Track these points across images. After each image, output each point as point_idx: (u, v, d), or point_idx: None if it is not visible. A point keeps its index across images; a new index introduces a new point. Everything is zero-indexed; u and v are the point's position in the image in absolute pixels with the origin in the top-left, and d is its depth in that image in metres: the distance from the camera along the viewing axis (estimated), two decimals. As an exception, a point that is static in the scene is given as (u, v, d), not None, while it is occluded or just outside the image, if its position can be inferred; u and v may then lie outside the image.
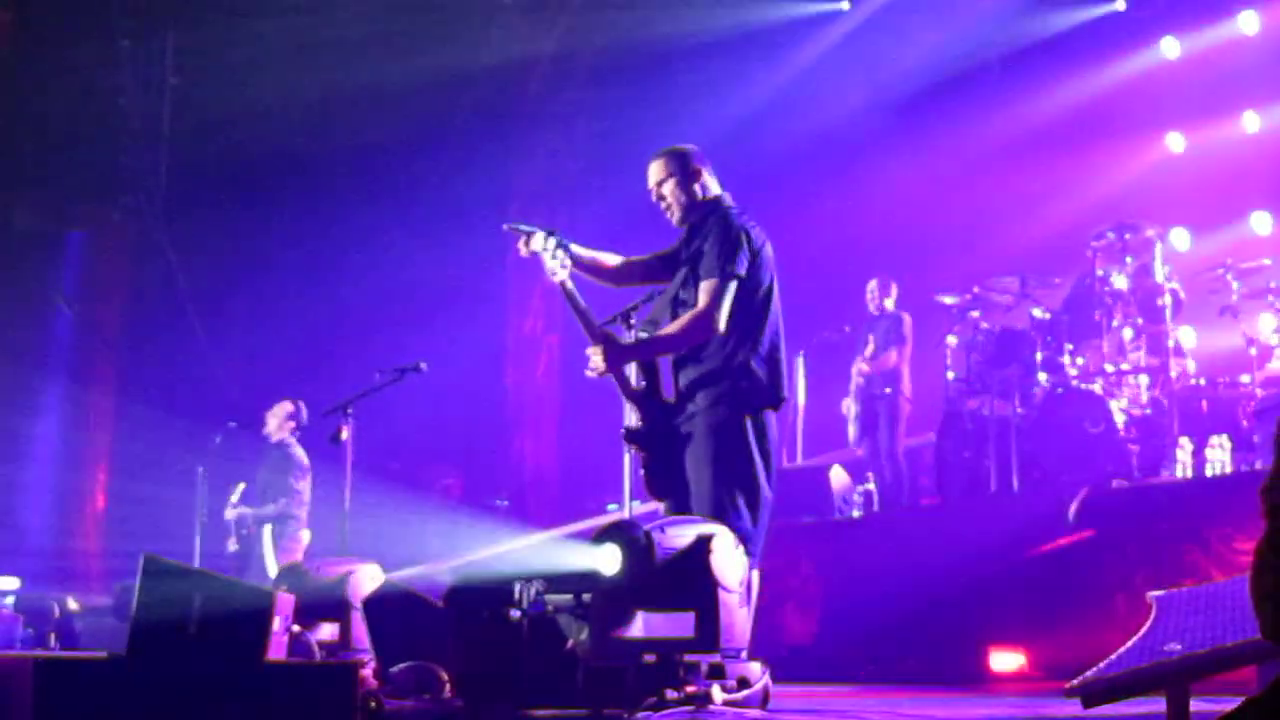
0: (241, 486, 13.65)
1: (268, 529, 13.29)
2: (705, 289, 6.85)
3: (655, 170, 7.27)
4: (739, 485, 6.72)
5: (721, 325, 6.78)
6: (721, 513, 6.57)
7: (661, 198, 7.26)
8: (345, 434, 10.60)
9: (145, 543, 9.45)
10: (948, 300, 13.17)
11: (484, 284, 18.03)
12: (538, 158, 18.35)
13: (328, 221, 17.58)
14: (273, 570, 12.84)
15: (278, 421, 13.59)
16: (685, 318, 6.81)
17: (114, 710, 5.59)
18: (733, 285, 6.83)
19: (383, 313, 17.71)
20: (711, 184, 7.25)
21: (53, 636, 12.57)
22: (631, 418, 7.03)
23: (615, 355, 6.86)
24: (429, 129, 17.46)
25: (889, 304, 13.81)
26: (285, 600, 6.67)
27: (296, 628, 6.98)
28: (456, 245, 17.69)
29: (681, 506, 6.77)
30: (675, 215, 7.24)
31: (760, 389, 6.85)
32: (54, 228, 18.56)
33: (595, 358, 6.84)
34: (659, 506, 6.97)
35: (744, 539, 6.43)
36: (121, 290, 18.75)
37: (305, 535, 13.41)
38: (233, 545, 13.53)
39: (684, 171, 7.21)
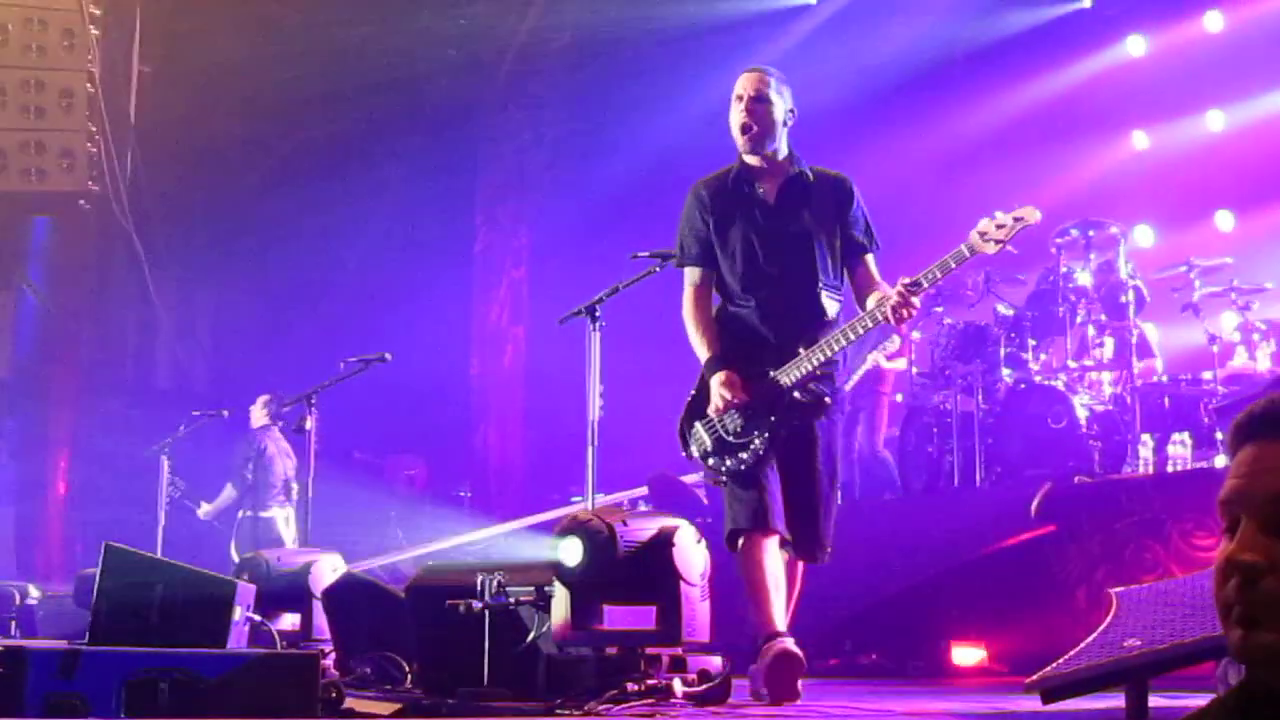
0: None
1: (276, 512, 13.51)
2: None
3: (764, 82, 6.84)
4: None
5: None
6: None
7: (755, 111, 6.78)
8: (309, 424, 10.62)
9: (107, 531, 9.42)
10: (912, 295, 13.15)
11: (450, 274, 18.00)
12: (505, 148, 18.31)
13: (294, 211, 17.53)
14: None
15: (257, 413, 13.80)
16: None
17: (76, 698, 5.56)
18: None
19: (348, 303, 17.68)
20: None
21: (13, 624, 12.52)
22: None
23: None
24: (396, 118, 17.42)
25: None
26: (246, 590, 6.66)
27: (257, 617, 6.96)
28: (423, 235, 17.67)
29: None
30: (751, 139, 6.84)
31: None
32: (20, 214, 18.46)
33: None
34: (623, 498, 6.96)
35: None
36: (86, 277, 18.66)
37: (279, 514, 13.59)
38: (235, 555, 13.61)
39: (787, 106, 6.96)
